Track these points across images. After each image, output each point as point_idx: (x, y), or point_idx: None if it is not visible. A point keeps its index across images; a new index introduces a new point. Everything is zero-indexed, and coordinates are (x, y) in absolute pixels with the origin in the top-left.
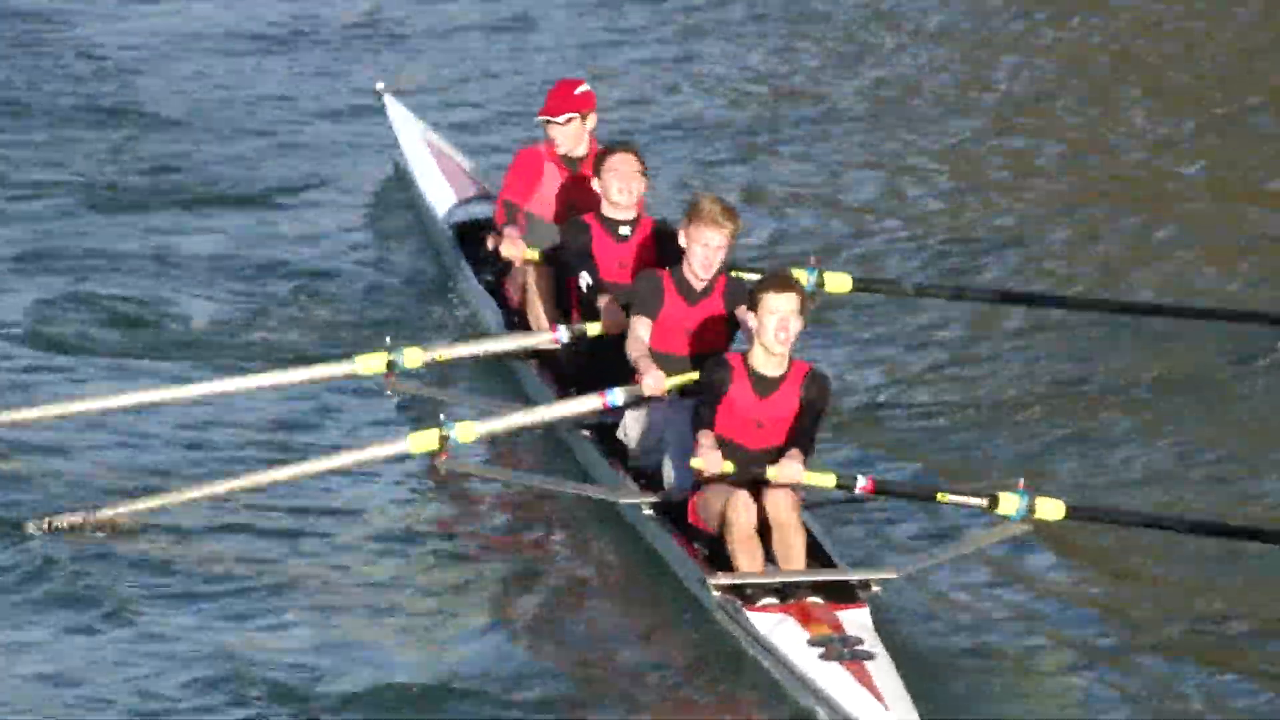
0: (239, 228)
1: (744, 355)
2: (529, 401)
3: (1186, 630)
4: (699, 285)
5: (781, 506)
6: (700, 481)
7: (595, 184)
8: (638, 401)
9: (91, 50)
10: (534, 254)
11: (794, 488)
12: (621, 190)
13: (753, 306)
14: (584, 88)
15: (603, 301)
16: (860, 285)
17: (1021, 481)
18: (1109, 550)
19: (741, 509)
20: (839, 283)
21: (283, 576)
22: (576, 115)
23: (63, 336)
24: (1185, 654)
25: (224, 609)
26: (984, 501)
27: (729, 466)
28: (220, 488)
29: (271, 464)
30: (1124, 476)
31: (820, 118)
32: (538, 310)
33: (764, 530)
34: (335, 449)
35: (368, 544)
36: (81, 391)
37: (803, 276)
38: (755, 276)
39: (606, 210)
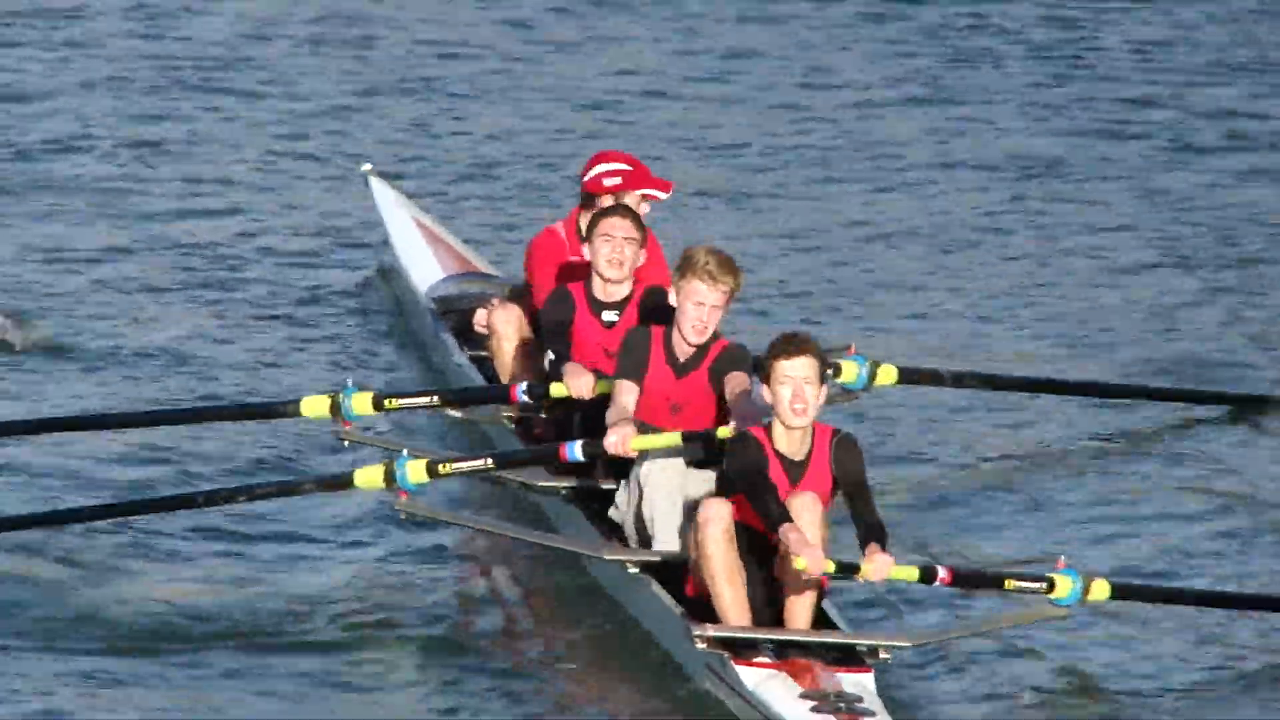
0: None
1: (767, 431)
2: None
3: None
4: (687, 352)
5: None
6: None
7: (585, 250)
8: (600, 458)
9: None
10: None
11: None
12: (612, 261)
13: (766, 379)
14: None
15: (568, 369)
16: (905, 377)
17: (1061, 560)
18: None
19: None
20: (887, 375)
21: (220, 625)
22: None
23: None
24: None
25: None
26: (1043, 585)
27: (829, 564)
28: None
29: (210, 493)
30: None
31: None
32: (505, 359)
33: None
34: (275, 481)
35: (309, 597)
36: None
37: (852, 369)
38: None
39: (595, 288)
